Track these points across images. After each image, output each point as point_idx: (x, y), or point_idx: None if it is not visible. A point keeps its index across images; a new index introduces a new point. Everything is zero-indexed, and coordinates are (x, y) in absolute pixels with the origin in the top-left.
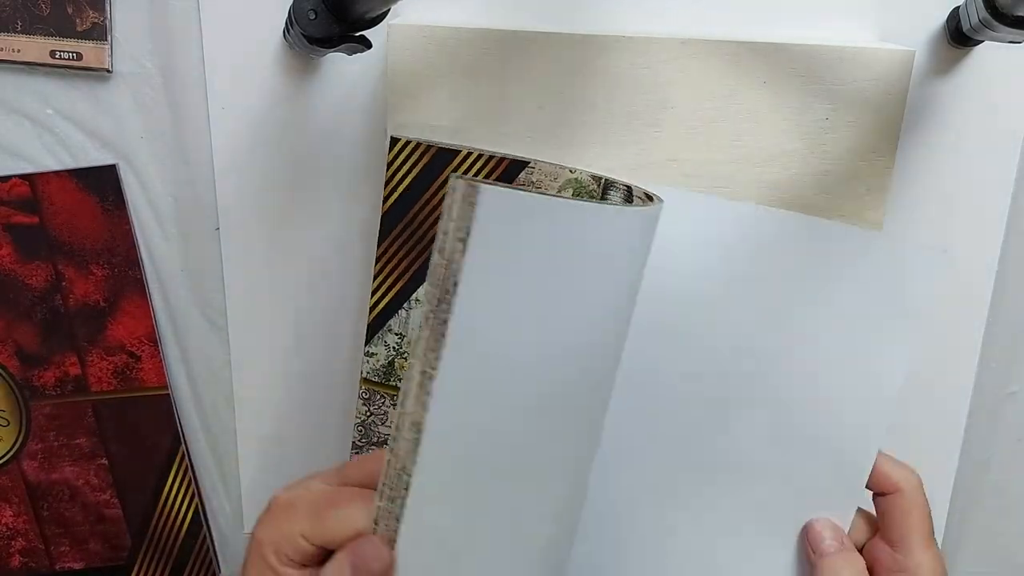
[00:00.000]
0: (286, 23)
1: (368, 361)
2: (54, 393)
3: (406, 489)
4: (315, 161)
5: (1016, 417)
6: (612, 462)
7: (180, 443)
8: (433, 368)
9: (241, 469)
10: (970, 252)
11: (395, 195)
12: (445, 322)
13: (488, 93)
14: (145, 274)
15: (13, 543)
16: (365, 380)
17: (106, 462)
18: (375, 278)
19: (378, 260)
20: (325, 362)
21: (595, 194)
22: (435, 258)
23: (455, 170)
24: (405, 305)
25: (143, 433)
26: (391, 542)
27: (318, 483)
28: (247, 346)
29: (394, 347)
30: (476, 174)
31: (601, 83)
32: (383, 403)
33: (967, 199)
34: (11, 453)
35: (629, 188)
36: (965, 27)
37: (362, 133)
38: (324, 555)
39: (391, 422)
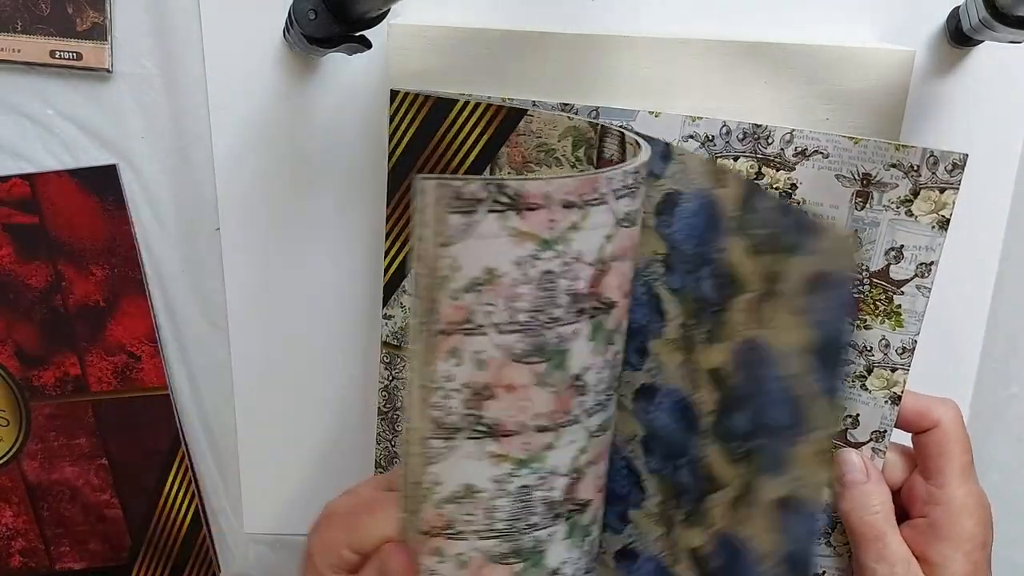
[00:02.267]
0: (286, 23)
1: (386, 324)
2: (54, 393)
3: (422, 500)
4: (315, 161)
5: (1016, 418)
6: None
7: (180, 443)
8: (432, 381)
9: (241, 469)
10: (970, 252)
11: (400, 149)
12: (437, 333)
13: (488, 93)
14: (145, 274)
15: (13, 543)
16: (385, 344)
17: (106, 462)
18: (386, 237)
19: (388, 219)
20: (324, 362)
21: (593, 142)
22: (417, 266)
23: (454, 121)
24: None
25: (143, 433)
26: (415, 552)
27: (364, 488)
28: (247, 346)
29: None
30: (474, 124)
31: (601, 83)
32: (404, 367)
33: (967, 199)
34: (11, 453)
35: (622, 134)
36: (965, 27)
37: (362, 133)
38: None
39: (400, 431)
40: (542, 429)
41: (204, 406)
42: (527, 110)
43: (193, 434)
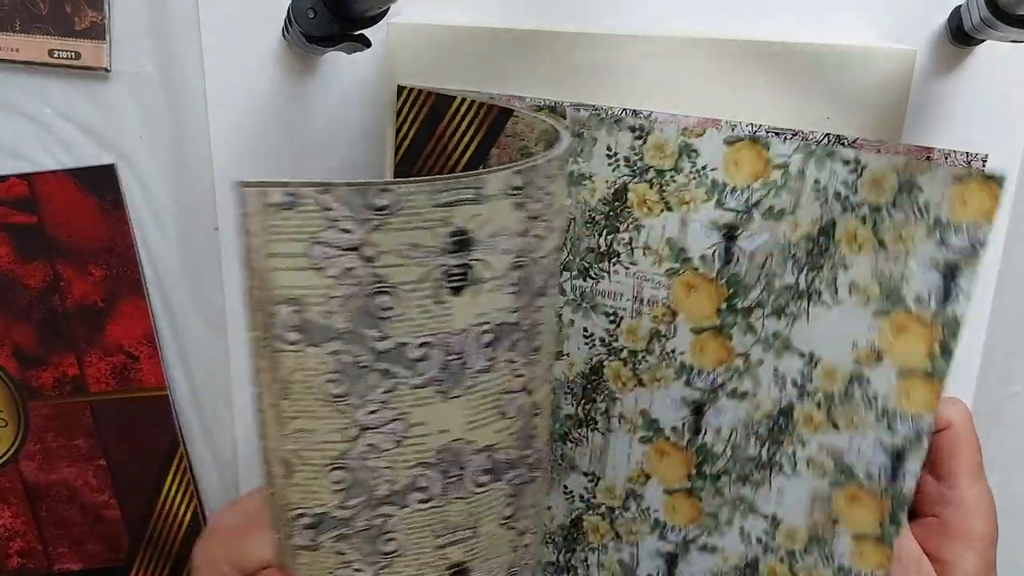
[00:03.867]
0: (285, 22)
1: None
2: (52, 394)
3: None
4: (314, 160)
5: (1018, 418)
6: None
7: (179, 444)
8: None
9: (241, 469)
10: None
11: (404, 145)
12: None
13: (489, 91)
14: (144, 274)
15: (11, 544)
16: None
17: (104, 463)
18: None
19: None
20: None
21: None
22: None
23: (451, 118)
24: None
25: (142, 434)
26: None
27: (250, 501)
28: (246, 346)
29: None
30: (469, 123)
31: (602, 82)
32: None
33: None
34: (9, 454)
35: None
36: (967, 26)
37: (362, 132)
38: None
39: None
40: None
41: (203, 406)
42: (513, 111)
43: (192, 434)
